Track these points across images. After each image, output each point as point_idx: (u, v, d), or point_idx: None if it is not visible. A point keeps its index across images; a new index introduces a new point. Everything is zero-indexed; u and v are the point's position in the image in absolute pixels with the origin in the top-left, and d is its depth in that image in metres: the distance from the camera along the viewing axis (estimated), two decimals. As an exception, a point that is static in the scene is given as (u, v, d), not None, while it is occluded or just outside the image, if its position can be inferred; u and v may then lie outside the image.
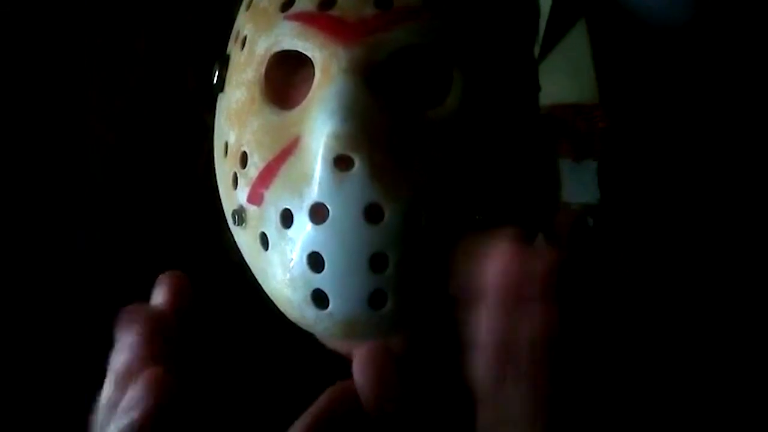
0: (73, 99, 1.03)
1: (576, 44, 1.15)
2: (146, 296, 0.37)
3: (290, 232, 0.37)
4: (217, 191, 0.45)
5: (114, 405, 0.33)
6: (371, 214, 0.36)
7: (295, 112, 0.38)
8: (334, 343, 0.40)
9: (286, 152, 0.38)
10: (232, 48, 0.44)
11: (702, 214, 1.09)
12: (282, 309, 0.39)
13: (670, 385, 0.52)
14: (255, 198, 0.39)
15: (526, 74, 0.45)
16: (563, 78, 1.13)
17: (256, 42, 0.41)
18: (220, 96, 0.44)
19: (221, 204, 0.44)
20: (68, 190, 1.01)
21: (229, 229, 0.43)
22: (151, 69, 1.09)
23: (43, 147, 1.00)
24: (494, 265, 0.34)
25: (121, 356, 0.34)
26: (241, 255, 0.42)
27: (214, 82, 0.44)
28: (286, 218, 0.37)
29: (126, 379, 0.33)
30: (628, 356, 0.51)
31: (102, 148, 1.05)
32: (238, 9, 0.45)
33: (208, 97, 0.46)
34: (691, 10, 1.10)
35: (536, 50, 0.53)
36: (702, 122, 1.11)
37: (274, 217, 0.38)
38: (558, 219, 1.16)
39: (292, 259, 0.37)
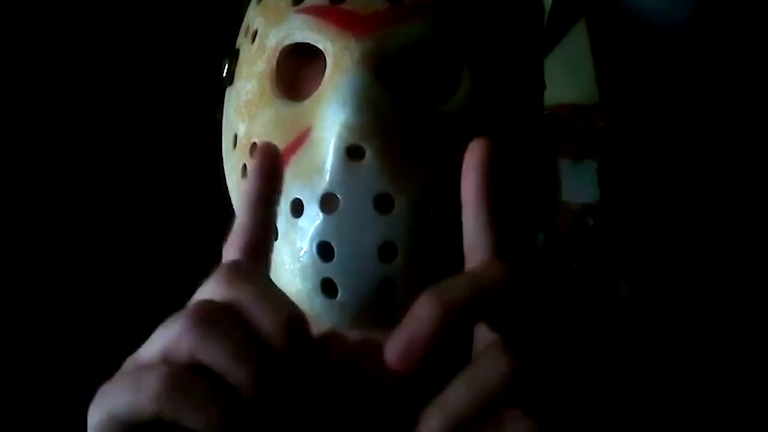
0: (73, 98, 1.03)
1: (576, 44, 1.15)
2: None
3: (300, 221, 0.38)
4: (222, 185, 0.45)
5: None
6: (381, 203, 0.36)
7: (306, 104, 0.39)
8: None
9: (296, 143, 0.38)
10: (242, 42, 0.44)
11: (701, 213, 1.09)
12: (291, 299, 0.40)
13: (672, 387, 0.52)
14: None
15: (532, 71, 0.45)
16: (563, 78, 1.13)
17: (267, 35, 0.41)
18: (229, 89, 0.45)
19: (227, 198, 0.44)
20: (69, 187, 1.01)
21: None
22: (154, 67, 1.10)
23: (44, 144, 1.00)
24: None
25: None
26: None
27: (224, 75, 0.45)
28: (297, 208, 0.38)
29: None
30: (627, 356, 0.52)
31: (103, 145, 1.06)
32: (248, 4, 0.46)
33: (215, 92, 0.47)
34: (692, 10, 1.10)
35: (536, 49, 0.54)
36: (702, 122, 1.11)
37: (285, 207, 0.38)
38: (558, 219, 1.16)
39: (302, 248, 0.38)
